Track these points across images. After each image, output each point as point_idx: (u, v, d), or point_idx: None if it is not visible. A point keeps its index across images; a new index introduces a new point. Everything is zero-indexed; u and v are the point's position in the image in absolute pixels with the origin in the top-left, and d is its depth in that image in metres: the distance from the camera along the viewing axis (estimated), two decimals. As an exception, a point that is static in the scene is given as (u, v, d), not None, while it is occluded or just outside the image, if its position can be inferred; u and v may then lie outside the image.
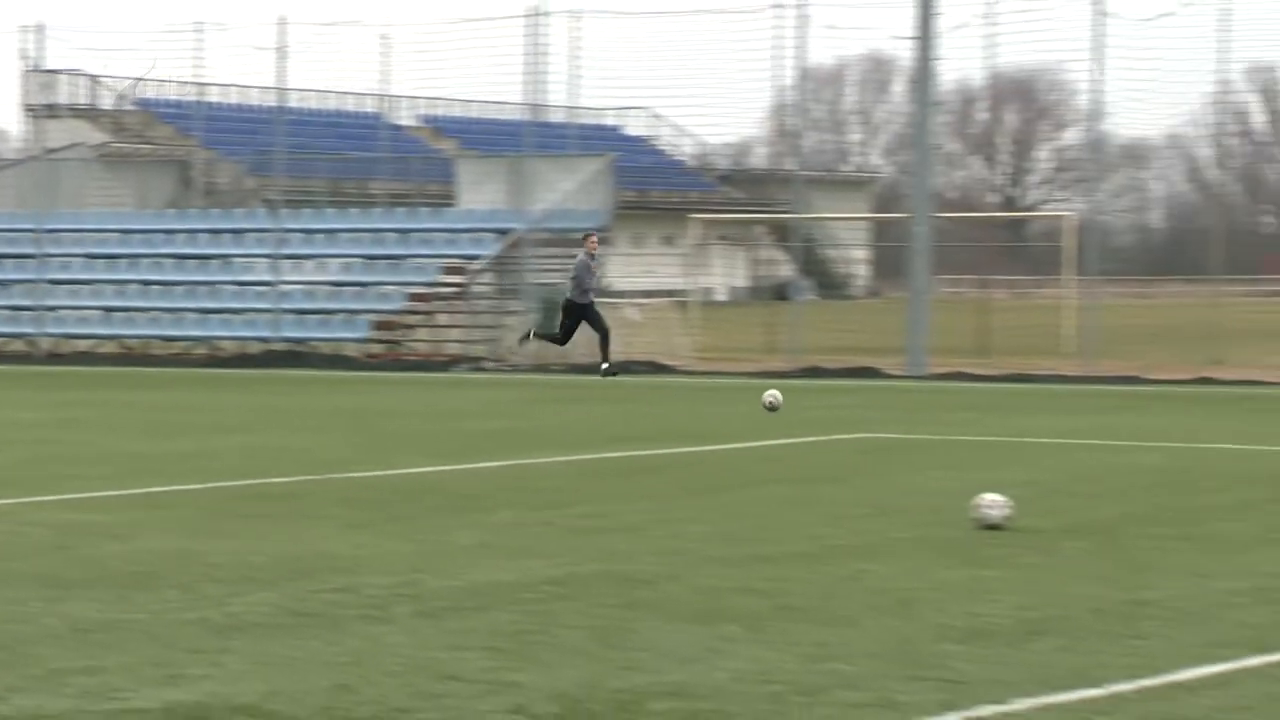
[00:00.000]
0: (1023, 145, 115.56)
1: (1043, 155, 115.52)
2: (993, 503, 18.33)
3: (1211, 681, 11.48)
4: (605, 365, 37.31)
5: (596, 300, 37.45)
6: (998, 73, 76.45)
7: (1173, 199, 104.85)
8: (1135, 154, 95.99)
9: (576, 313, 37.28)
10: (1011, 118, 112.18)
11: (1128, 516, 19.66)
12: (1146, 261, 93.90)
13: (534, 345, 40.43)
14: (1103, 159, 59.35)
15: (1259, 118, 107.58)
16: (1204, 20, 46.06)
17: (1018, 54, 61.01)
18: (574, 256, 51.25)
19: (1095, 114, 51.22)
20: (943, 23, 47.08)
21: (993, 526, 17.98)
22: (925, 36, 46.83)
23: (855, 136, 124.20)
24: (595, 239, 39.15)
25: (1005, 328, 51.34)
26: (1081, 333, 46.80)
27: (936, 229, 50.17)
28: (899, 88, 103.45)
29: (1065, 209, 78.72)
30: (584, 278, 37.07)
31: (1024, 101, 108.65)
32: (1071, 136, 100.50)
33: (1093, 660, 12.02)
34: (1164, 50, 47.37)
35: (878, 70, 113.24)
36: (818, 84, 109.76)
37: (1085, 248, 50.66)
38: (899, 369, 44.51)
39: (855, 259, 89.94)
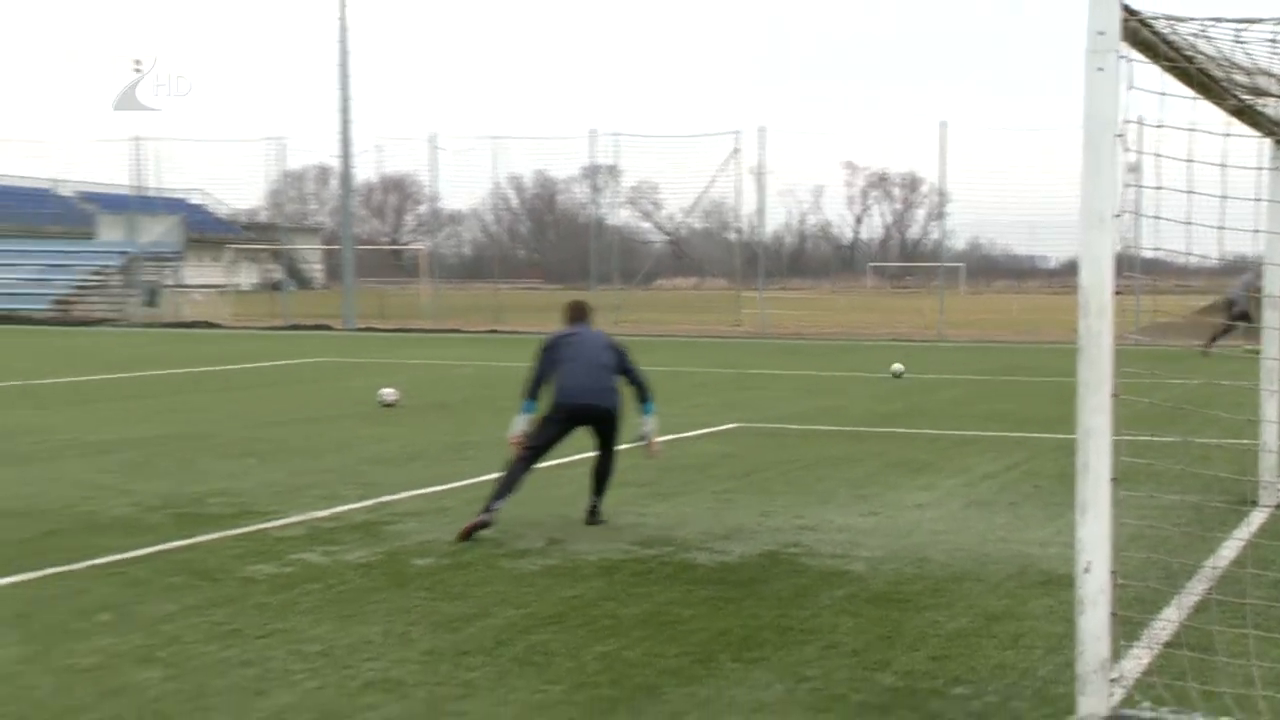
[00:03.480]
0: (399, 213, 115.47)
1: (409, 218, 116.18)
2: (389, 392, 18.49)
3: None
4: (1204, 346, 27.52)
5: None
6: (386, 176, 77.82)
7: (475, 242, 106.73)
8: (455, 218, 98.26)
9: (1240, 319, 25.75)
10: (393, 198, 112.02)
11: (458, 399, 19.62)
12: (464, 272, 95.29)
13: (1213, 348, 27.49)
14: (438, 219, 60.39)
15: (514, 202, 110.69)
16: (486, 151, 47.94)
17: (392, 167, 62.41)
18: (155, 273, 50.58)
19: (433, 196, 52.47)
20: (354, 149, 47.56)
21: (389, 405, 18.04)
22: (346, 156, 46.91)
23: (315, 205, 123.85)
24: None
25: (395, 305, 51.29)
26: (433, 307, 47.13)
27: (358, 253, 50.25)
28: (335, 181, 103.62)
29: (420, 245, 79.56)
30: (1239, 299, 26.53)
31: (400, 191, 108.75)
32: (424, 208, 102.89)
33: (444, 471, 12.26)
34: (473, 168, 49.61)
35: (324, 172, 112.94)
36: (294, 178, 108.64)
37: (432, 265, 51.67)
38: (341, 324, 44.08)
39: (315, 268, 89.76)
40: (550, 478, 11.98)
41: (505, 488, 9.53)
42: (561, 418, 9.78)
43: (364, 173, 73.64)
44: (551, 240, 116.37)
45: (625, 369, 10.00)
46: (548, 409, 9.84)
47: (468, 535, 9.17)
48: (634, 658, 6.28)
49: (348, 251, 48.30)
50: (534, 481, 11.73)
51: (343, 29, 45.64)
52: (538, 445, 9.78)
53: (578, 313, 10.31)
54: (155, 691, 5.71)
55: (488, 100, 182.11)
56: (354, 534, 9.27)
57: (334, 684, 5.82)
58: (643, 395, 10.06)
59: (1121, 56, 5.09)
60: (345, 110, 46.24)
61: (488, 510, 9.37)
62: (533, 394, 9.82)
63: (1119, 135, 5.09)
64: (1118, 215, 5.15)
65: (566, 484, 11.48)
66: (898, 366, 23.25)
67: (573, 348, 9.89)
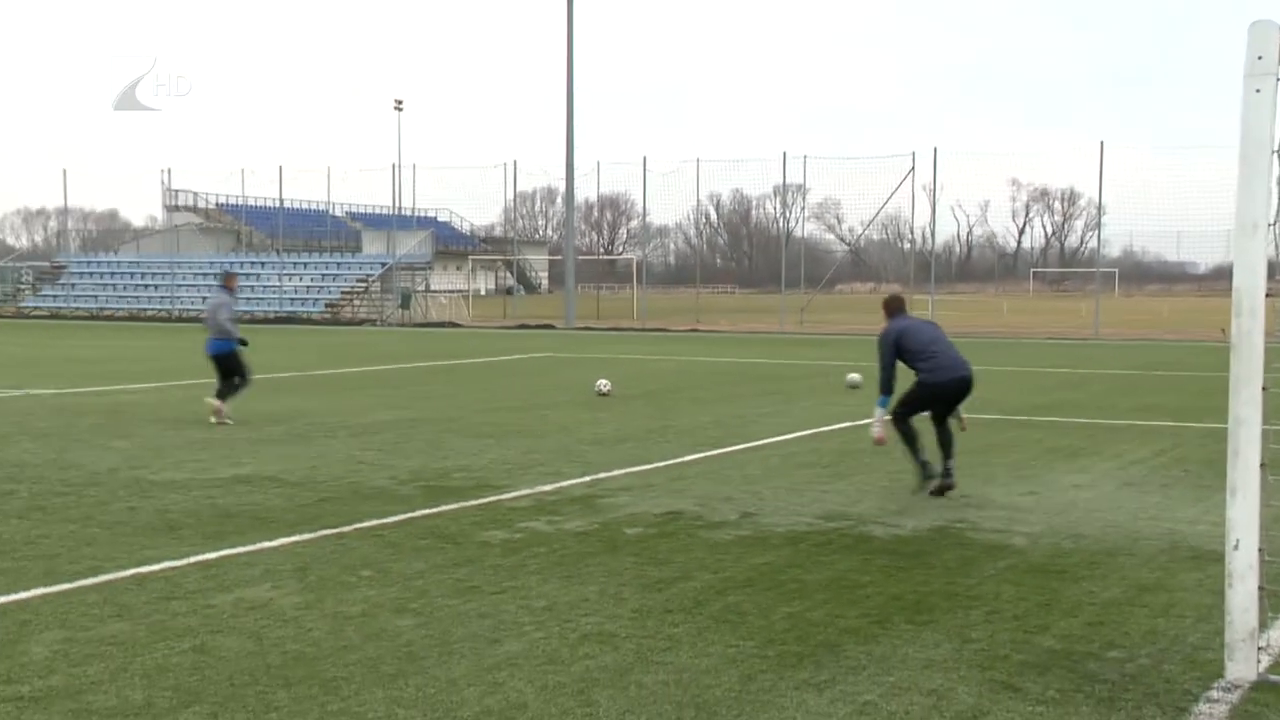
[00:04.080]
0: (613, 227, 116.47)
1: (622, 231, 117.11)
2: (604, 383, 18.47)
3: (697, 463, 11.57)
4: None
5: None
6: (603, 195, 78.44)
7: (678, 252, 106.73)
8: (662, 231, 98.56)
9: None
10: (609, 214, 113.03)
11: (662, 390, 19.41)
12: (669, 278, 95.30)
13: None
14: (647, 233, 60.55)
15: (713, 216, 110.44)
16: (690, 172, 47.81)
17: (608, 187, 62.93)
18: (408, 280, 52.11)
19: (643, 212, 52.51)
20: (576, 173, 47.97)
21: (604, 394, 18.03)
22: (570, 179, 47.37)
23: (541, 221, 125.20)
24: None
25: (609, 307, 51.95)
26: (642, 309, 47.39)
27: (577, 263, 50.93)
28: (559, 201, 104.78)
29: (632, 255, 79.96)
30: None
31: (614, 208, 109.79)
32: (635, 224, 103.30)
33: (650, 452, 12.09)
34: (677, 188, 49.74)
35: (550, 192, 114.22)
36: (524, 197, 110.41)
37: (641, 272, 51.69)
38: (563, 324, 44.65)
39: (541, 275, 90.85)
40: (741, 459, 11.92)
41: (916, 449, 9.72)
42: (935, 394, 9.83)
43: (584, 192, 75.33)
44: (745, 250, 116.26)
45: None
46: (919, 390, 9.82)
47: (940, 493, 9.58)
48: (817, 618, 6.19)
49: (569, 261, 49.06)
50: (727, 462, 11.72)
51: (569, 71, 46.24)
52: (910, 414, 9.84)
53: (899, 305, 10.32)
54: (409, 637, 5.85)
55: (691, 124, 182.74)
56: (574, 505, 9.29)
57: (556, 635, 5.88)
58: None
59: (1279, 79, 4.82)
60: (570, 142, 46.86)
61: (929, 474, 9.63)
62: (889, 388, 9.87)
63: (1275, 151, 4.82)
64: (1271, 224, 4.88)
65: (756, 464, 11.41)
66: (853, 376, 19.92)
67: (920, 337, 9.86)
